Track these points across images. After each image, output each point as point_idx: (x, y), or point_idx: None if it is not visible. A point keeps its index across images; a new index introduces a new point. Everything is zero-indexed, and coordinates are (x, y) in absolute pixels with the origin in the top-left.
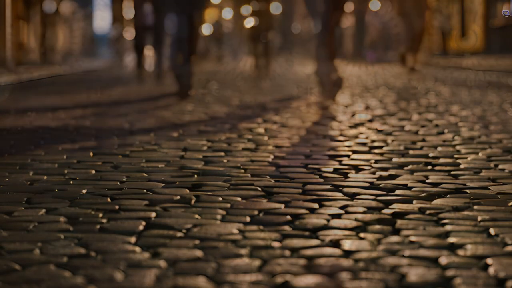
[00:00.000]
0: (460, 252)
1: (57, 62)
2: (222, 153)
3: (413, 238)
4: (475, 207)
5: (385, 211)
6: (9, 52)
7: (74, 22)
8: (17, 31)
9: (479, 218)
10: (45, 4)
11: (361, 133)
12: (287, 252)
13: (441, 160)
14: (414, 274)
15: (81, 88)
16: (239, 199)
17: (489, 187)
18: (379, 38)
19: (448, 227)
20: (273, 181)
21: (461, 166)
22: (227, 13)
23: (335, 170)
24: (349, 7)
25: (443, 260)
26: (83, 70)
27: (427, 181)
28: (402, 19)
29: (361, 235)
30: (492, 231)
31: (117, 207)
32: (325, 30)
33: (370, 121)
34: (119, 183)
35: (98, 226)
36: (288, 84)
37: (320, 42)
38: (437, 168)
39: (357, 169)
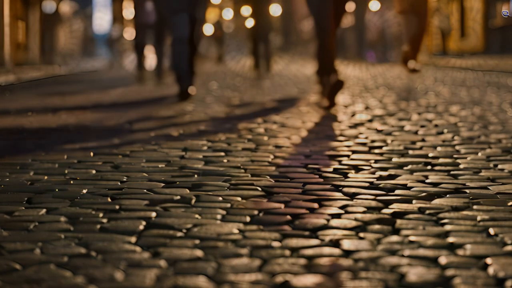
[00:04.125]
0: (460, 251)
1: (57, 62)
2: (222, 153)
3: (412, 238)
4: (475, 207)
5: (384, 211)
6: (7, 52)
7: (74, 22)
8: (15, 31)
9: (478, 218)
10: (44, 4)
11: (361, 133)
12: (287, 252)
13: (441, 160)
14: (414, 273)
15: (81, 89)
16: (239, 199)
17: (489, 187)
18: (379, 38)
19: (448, 227)
20: (273, 181)
21: (461, 166)
22: (227, 13)
23: (335, 170)
24: (350, 6)
25: (443, 260)
26: (82, 71)
27: (427, 181)
28: (402, 18)
29: (361, 234)
30: (491, 230)
31: (117, 207)
32: (325, 31)
33: (370, 121)
34: (119, 183)
35: (98, 226)
36: (288, 84)
37: (320, 44)
38: (436, 168)
39: (357, 169)
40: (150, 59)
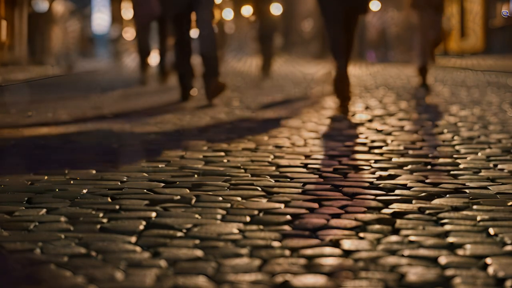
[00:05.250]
0: (460, 251)
1: (49, 63)
2: (222, 153)
3: (412, 238)
4: (475, 207)
5: (384, 211)
6: None
7: (70, 22)
8: None
9: (478, 218)
10: (34, 4)
11: (361, 133)
12: (287, 252)
13: (441, 160)
14: (414, 273)
15: (79, 88)
16: (239, 199)
17: (489, 187)
18: (379, 38)
19: (448, 227)
20: (273, 181)
21: (461, 166)
22: (228, 14)
23: (335, 170)
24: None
25: (443, 260)
26: (80, 71)
27: (427, 181)
28: (416, 13)
29: (361, 234)
30: (491, 230)
31: (117, 207)
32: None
33: (370, 121)
34: (119, 183)
35: (98, 226)
36: (288, 84)
37: (333, 42)
38: (436, 168)
39: (357, 169)
40: (153, 58)
